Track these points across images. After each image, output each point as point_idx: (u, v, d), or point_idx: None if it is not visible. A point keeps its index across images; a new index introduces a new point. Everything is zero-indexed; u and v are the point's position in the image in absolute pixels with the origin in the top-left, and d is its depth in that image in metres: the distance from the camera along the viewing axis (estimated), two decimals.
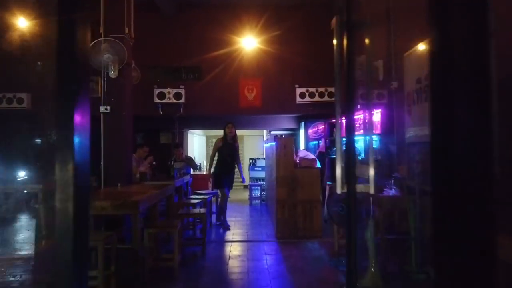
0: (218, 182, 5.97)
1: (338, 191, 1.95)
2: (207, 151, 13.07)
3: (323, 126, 8.72)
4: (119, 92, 5.10)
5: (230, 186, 6.09)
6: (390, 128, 5.05)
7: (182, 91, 8.13)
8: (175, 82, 8.31)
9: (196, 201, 5.46)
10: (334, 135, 7.93)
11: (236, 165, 6.15)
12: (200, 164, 11.27)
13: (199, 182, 9.22)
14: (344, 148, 1.83)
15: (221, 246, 4.84)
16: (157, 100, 8.15)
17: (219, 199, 6.27)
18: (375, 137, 5.70)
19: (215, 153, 6.10)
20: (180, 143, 9.00)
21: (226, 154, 6.00)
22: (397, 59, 4.53)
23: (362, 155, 6.15)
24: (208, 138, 13.11)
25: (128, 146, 5.25)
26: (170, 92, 8.15)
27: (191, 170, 6.83)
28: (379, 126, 5.53)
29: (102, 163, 4.97)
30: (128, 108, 5.22)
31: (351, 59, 1.68)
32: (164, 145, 9.46)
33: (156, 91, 8.15)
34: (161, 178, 5.80)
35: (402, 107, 4.75)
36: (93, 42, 4.86)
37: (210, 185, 9.73)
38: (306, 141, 9.40)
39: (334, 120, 6.87)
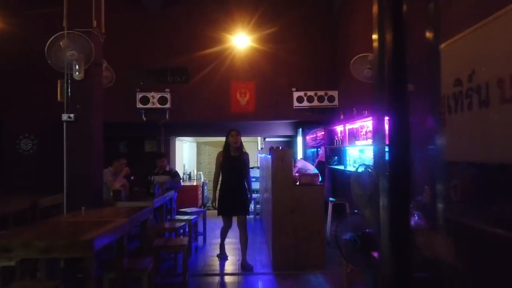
0: (220, 208, 4.55)
1: (384, 263, 1.19)
2: (198, 159, 12.26)
3: (323, 133, 7.99)
4: (86, 97, 4.29)
5: (241, 211, 4.55)
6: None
7: (168, 95, 7.37)
8: (159, 85, 7.56)
9: (179, 224, 4.65)
10: (335, 143, 7.19)
11: (246, 182, 4.67)
12: (190, 173, 10.48)
13: (186, 194, 8.42)
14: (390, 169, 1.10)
15: (206, 282, 4.03)
16: (140, 105, 7.39)
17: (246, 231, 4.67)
18: (385, 148, 4.95)
19: (219, 172, 4.65)
20: (166, 152, 8.22)
21: (230, 171, 4.57)
22: (424, 52, 3.77)
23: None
24: (199, 145, 12.30)
25: (98, 161, 4.44)
26: (154, 96, 7.38)
27: (175, 183, 6.00)
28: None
29: (65, 181, 4.18)
30: (97, 116, 4.41)
31: (400, 29, 1.05)
32: (149, 154, 8.65)
33: (139, 95, 7.38)
34: (140, 196, 5.00)
35: (422, 114, 4.00)
36: (53, 37, 4.07)
37: (199, 201, 9.03)
38: (304, 149, 8.66)
39: (335, 127, 6.03)
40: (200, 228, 5.79)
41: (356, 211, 3.33)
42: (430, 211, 3.16)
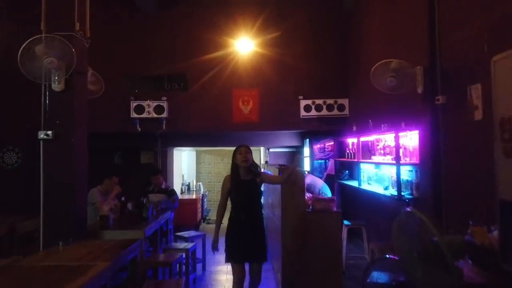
0: (231, 252, 3.30)
1: None
2: (197, 169, 11.69)
3: (332, 144, 7.40)
4: (66, 111, 3.71)
5: (259, 257, 3.30)
6: (435, 157, 3.73)
7: (165, 104, 6.84)
8: (156, 93, 7.02)
9: (175, 255, 4.05)
10: (347, 156, 6.59)
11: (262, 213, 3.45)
12: (189, 183, 9.91)
13: (185, 208, 7.81)
14: None
15: None
16: (134, 115, 6.84)
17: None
18: (409, 167, 4.37)
19: (225, 202, 3.44)
20: (163, 164, 7.66)
21: (241, 201, 3.34)
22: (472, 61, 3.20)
23: (390, 189, 4.80)
24: (198, 154, 11.73)
25: (81, 183, 3.85)
26: (150, 105, 6.84)
27: (171, 203, 5.43)
28: (416, 153, 4.21)
29: (41, 210, 3.60)
30: (80, 132, 3.83)
31: None
32: (146, 165, 8.06)
33: (133, 104, 6.83)
34: (131, 220, 4.44)
35: (459, 130, 3.42)
36: (27, 42, 3.49)
37: (199, 215, 8.43)
38: (311, 160, 8.07)
39: (346, 139, 5.29)
40: (199, 253, 5.19)
41: (387, 255, 2.74)
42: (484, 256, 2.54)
